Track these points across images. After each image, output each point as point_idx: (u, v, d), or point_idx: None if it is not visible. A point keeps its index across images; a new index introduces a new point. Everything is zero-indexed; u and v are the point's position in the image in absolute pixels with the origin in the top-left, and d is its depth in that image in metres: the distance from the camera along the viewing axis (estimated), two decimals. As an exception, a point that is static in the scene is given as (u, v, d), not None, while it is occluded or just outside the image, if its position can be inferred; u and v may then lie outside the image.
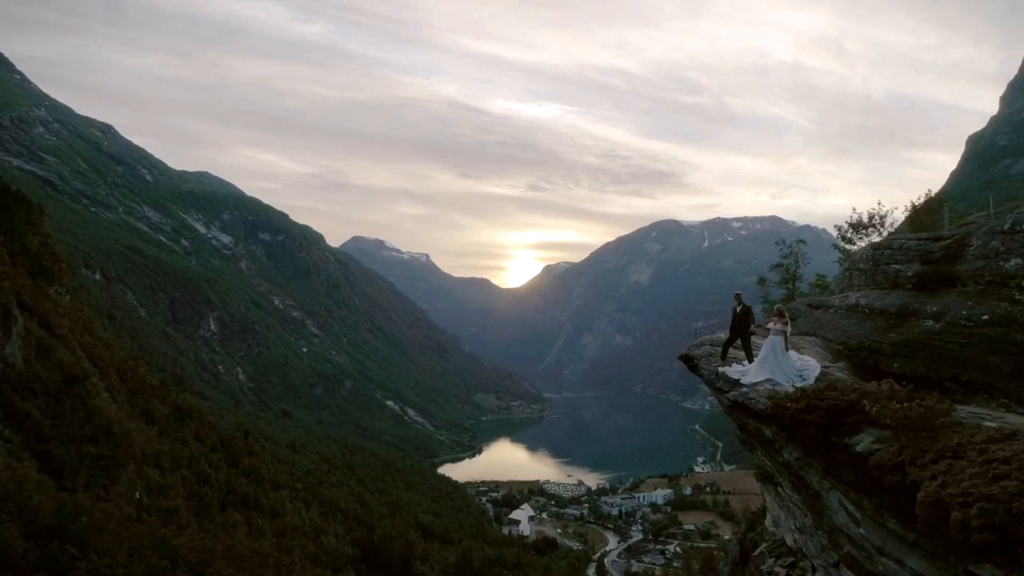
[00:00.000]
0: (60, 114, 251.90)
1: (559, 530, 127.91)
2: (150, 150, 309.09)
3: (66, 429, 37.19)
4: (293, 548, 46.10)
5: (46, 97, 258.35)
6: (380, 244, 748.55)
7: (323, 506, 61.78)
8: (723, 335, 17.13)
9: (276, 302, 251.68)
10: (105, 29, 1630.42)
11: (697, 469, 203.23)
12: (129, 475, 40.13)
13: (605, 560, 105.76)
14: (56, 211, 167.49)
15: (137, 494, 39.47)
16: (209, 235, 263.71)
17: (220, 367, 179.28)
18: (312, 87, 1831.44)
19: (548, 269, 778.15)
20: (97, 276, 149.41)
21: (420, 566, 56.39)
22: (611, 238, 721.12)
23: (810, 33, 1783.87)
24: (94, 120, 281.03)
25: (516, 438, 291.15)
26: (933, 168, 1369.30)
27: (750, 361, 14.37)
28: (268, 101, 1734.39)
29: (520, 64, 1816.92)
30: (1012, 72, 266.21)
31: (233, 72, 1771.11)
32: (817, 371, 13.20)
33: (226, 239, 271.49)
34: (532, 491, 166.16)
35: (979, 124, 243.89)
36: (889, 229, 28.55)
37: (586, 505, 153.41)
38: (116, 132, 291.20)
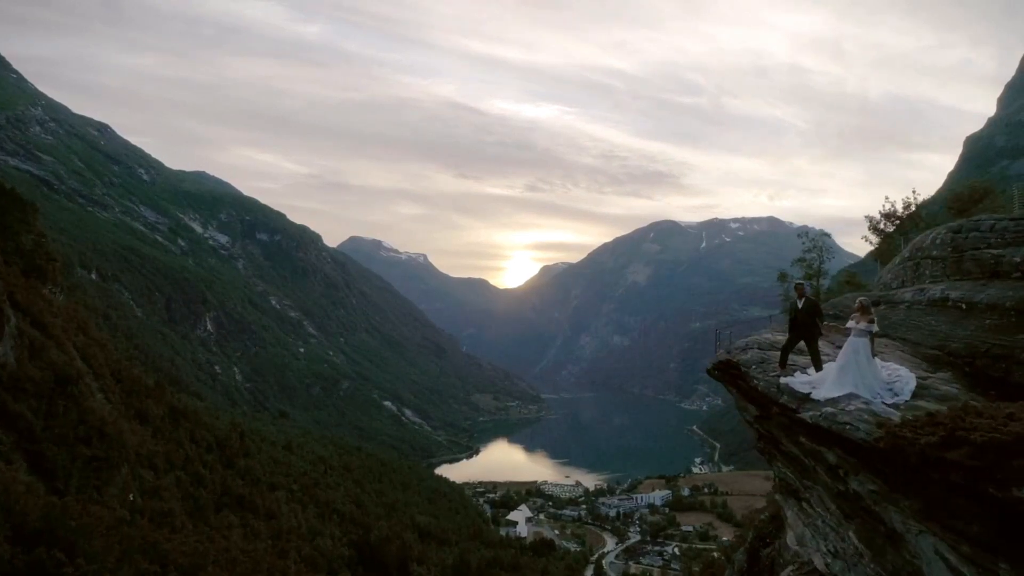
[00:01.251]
0: (56, 113, 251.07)
1: (557, 531, 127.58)
2: (148, 150, 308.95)
3: (58, 430, 36.71)
4: (289, 550, 45.68)
5: (42, 96, 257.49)
6: (378, 244, 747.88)
7: (319, 507, 61.36)
8: (771, 336, 14.32)
9: (273, 302, 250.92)
10: (104, 29, 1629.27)
11: (695, 470, 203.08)
12: (123, 477, 39.65)
13: (603, 561, 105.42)
14: (52, 210, 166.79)
15: (131, 496, 39.03)
16: (206, 235, 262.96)
17: (217, 367, 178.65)
18: (311, 87, 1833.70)
19: (546, 269, 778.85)
20: (93, 276, 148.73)
21: (417, 568, 56.02)
22: (609, 239, 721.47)
23: (808, 34, 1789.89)
24: (91, 119, 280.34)
25: (514, 439, 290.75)
26: (930, 169, 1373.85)
27: (817, 369, 11.78)
28: (267, 101, 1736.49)
29: (519, 65, 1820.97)
30: (1009, 74, 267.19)
31: (232, 72, 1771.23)
32: (912, 384, 10.50)
33: (223, 239, 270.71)
34: (530, 492, 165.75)
35: (976, 126, 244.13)
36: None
37: (584, 506, 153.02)
38: (113, 131, 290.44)
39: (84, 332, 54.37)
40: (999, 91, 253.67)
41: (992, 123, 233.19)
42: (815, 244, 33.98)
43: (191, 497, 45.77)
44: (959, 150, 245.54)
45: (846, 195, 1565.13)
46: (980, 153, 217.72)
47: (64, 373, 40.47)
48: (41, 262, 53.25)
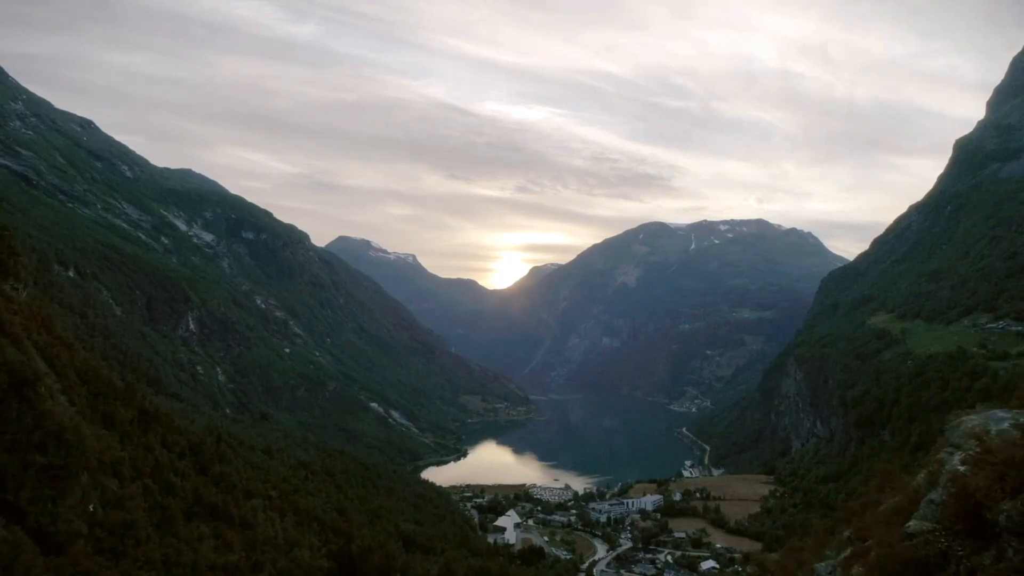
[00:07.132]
0: (38, 108, 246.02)
1: (546, 538, 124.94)
2: (137, 148, 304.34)
3: (11, 436, 33.77)
4: (263, 562, 42.98)
5: (24, 91, 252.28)
6: (366, 244, 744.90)
7: (298, 516, 58.40)
8: None
9: (258, 302, 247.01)
10: (93, 27, 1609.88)
11: (685, 473, 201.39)
12: (82, 486, 36.67)
13: (594, 570, 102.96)
14: (30, 206, 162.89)
15: (90, 507, 36.26)
16: (190, 233, 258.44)
17: (198, 368, 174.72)
18: (301, 87, 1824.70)
19: (535, 271, 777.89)
20: (71, 273, 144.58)
21: (401, 580, 53.32)
22: (598, 240, 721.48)
23: (796, 40, 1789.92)
24: (74, 115, 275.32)
25: (502, 440, 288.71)
26: (917, 174, 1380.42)
27: None
28: (257, 101, 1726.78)
29: (510, 67, 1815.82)
30: (994, 79, 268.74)
31: (222, 71, 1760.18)
32: None
33: (208, 237, 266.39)
34: (518, 496, 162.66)
35: (962, 131, 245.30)
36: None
37: (573, 511, 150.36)
38: (97, 128, 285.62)
39: (48, 330, 51.28)
40: (985, 96, 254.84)
41: (982, 126, 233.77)
42: None
43: (159, 507, 42.74)
44: (946, 154, 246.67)
45: (834, 199, 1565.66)
46: (970, 156, 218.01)
47: (20, 374, 37.46)
48: (3, 256, 50.27)
